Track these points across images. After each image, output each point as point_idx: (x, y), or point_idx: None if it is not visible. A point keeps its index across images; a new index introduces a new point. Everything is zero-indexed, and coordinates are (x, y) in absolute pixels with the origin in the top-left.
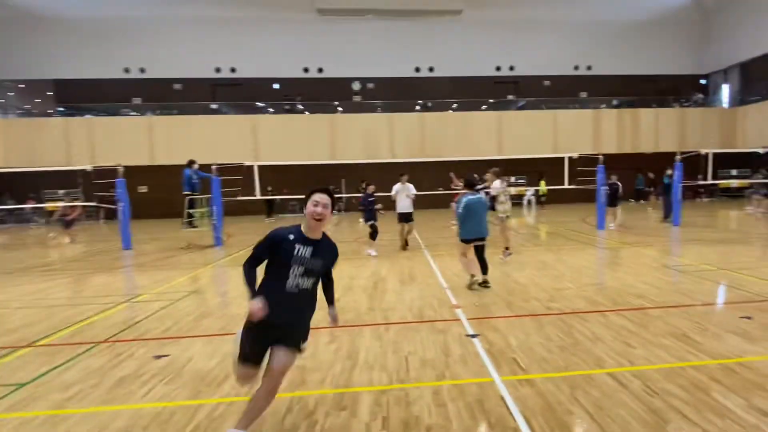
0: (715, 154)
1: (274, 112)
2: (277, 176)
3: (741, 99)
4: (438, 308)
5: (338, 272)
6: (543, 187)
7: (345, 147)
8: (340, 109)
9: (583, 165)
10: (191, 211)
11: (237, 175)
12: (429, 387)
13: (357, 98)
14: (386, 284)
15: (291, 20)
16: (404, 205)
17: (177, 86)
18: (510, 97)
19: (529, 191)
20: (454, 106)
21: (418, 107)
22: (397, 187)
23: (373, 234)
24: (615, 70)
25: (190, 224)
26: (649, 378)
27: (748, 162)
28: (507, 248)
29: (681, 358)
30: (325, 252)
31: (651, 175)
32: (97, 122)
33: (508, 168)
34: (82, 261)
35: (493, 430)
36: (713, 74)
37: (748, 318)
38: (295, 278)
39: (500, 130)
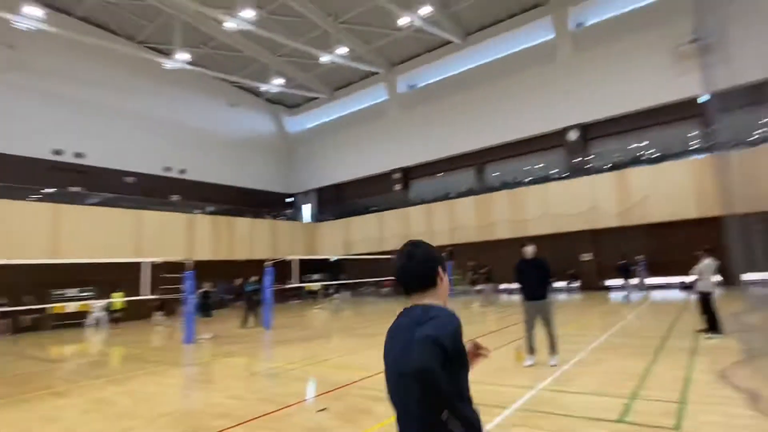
0: (301, 261)
1: None
2: None
3: (318, 216)
4: None
5: None
6: (118, 299)
7: None
8: None
9: (170, 271)
10: None
11: None
12: None
13: None
14: None
15: None
16: None
17: None
18: (76, 189)
19: (97, 306)
20: None
21: None
22: None
23: None
24: (211, 178)
25: None
26: None
27: (325, 267)
28: None
29: None
30: None
31: (238, 281)
32: None
33: (68, 277)
34: None
35: None
36: (298, 194)
37: (324, 410)
38: None
39: (58, 227)
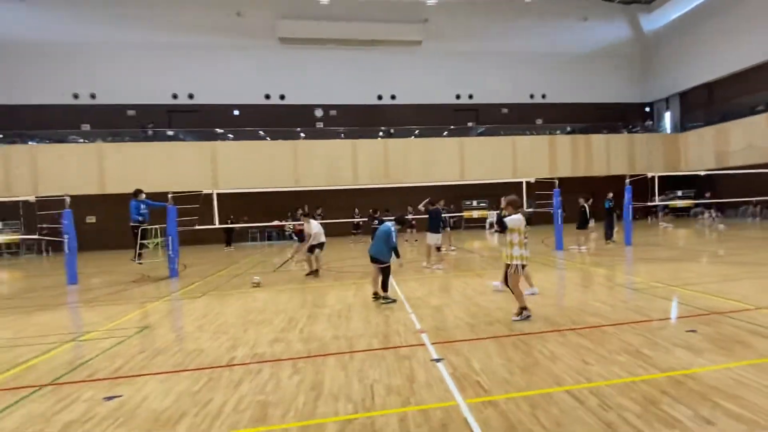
0: (661, 177)
1: (233, 139)
2: (237, 204)
3: (682, 125)
4: (403, 334)
5: (300, 300)
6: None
7: (307, 173)
8: (302, 135)
9: (540, 189)
10: (143, 242)
11: (194, 203)
12: (395, 414)
13: (319, 125)
14: (351, 311)
15: (252, 47)
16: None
17: (131, 112)
18: (470, 123)
19: (491, 214)
20: (417, 132)
21: (381, 134)
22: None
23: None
24: (567, 99)
25: (141, 256)
26: (604, 393)
27: (692, 183)
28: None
29: (633, 373)
30: None
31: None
32: (41, 149)
33: (470, 192)
34: (22, 298)
35: None
36: (656, 102)
37: (693, 331)
38: None
39: (462, 155)
